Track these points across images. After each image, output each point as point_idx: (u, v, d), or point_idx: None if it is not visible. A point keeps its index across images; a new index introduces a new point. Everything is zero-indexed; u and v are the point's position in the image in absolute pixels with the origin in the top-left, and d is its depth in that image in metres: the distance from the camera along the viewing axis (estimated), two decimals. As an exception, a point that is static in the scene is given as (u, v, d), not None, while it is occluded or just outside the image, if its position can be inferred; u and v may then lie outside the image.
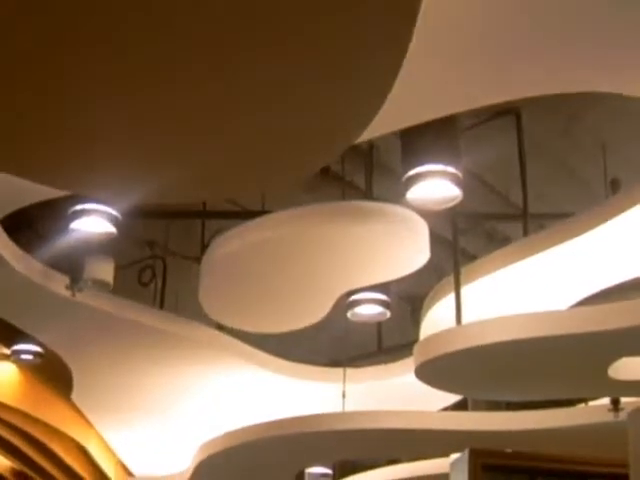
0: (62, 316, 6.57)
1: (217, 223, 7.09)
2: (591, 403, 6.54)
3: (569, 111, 6.09)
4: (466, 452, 5.11)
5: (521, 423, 6.03)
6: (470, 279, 5.23)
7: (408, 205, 4.85)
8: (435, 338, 4.81)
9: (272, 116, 3.08)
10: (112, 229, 5.21)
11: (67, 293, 5.96)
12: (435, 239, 5.87)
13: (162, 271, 7.61)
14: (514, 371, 4.92)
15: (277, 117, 3.09)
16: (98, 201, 5.12)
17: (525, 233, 5.94)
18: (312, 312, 6.04)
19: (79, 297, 6.09)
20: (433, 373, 4.92)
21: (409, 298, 8.14)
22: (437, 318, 5.58)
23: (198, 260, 6.40)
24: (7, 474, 11.44)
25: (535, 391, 5.38)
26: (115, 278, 6.44)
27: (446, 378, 5.10)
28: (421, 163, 4.36)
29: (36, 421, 8.45)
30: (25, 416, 8.30)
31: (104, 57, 2.73)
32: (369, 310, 6.19)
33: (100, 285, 5.95)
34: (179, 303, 7.54)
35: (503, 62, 3.83)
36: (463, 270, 5.27)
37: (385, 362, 7.51)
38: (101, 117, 3.04)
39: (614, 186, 6.12)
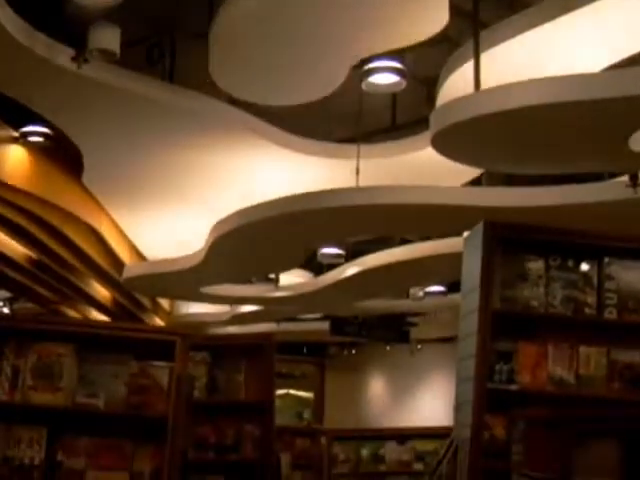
0: (69, 92, 6.40)
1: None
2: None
3: None
4: (480, 225, 5.03)
5: (537, 199, 5.96)
6: (490, 45, 5.00)
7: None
8: (453, 105, 4.63)
9: None
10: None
11: (73, 66, 5.75)
12: (454, 12, 5.59)
13: (170, 48, 7.37)
14: (533, 141, 4.78)
15: None
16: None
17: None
18: (325, 81, 5.83)
19: (86, 70, 5.88)
20: (450, 142, 4.77)
21: (425, 80, 7.91)
22: (454, 89, 5.38)
23: (207, 36, 6.16)
24: (24, 262, 11.60)
25: (553, 164, 5.25)
26: (122, 58, 6.22)
27: (462, 148, 4.94)
28: None
29: (48, 205, 8.42)
30: (37, 200, 8.27)
31: None
32: (384, 79, 5.92)
33: (106, 55, 5.73)
34: (188, 82, 7.32)
35: None
36: (483, 34, 5.02)
37: (399, 138, 7.38)
38: None
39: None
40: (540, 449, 3.31)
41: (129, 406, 4.99)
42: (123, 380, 5.02)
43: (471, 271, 5.16)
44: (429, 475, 5.04)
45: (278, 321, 15.38)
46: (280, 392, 22.42)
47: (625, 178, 5.92)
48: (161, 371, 5.03)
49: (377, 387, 21.33)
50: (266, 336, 6.55)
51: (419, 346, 18.95)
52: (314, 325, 16.33)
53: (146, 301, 13.86)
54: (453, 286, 10.82)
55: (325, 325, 14.77)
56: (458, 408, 5.13)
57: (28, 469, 4.92)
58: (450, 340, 16.86)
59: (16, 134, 7.64)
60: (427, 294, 11.87)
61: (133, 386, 5.01)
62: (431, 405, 17.64)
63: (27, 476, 4.90)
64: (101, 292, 13.56)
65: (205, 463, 6.25)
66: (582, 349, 4.97)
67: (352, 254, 10.23)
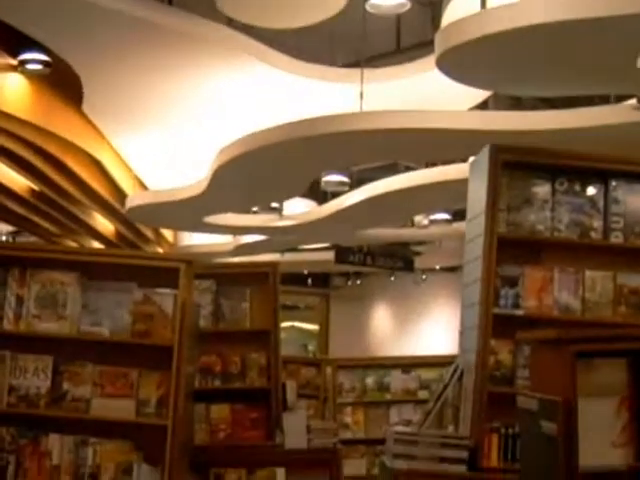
0: (68, 17, 6.28)
1: None
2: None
3: None
4: (486, 149, 4.97)
5: (544, 123, 5.86)
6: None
7: None
8: (459, 24, 4.52)
9: None
10: None
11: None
12: None
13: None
14: (539, 60, 4.67)
15: None
16: None
17: None
18: (328, 2, 5.68)
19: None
20: (455, 63, 4.66)
21: (429, 2, 7.78)
22: (459, 10, 5.25)
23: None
24: (26, 195, 11.55)
25: (561, 85, 5.14)
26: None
27: (468, 68, 4.83)
28: None
29: (49, 135, 8.34)
30: (38, 130, 8.18)
31: None
32: (389, 0, 5.77)
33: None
34: (187, 6, 7.16)
35: None
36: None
37: (404, 62, 7.25)
38: None
39: None
40: (545, 371, 3.29)
41: (134, 334, 4.97)
42: (127, 308, 4.99)
43: (476, 196, 5.11)
44: (434, 400, 5.04)
45: (282, 251, 15.38)
46: (285, 325, 22.52)
47: (633, 101, 5.83)
48: (166, 299, 5.00)
49: (382, 318, 21.44)
50: (271, 264, 6.50)
51: (424, 276, 18.99)
52: (318, 255, 16.32)
53: (149, 233, 13.84)
54: (458, 214, 10.78)
55: (330, 255, 14.75)
56: (463, 333, 5.12)
57: (34, 398, 4.92)
58: (455, 270, 16.90)
59: (14, 62, 7.52)
60: (432, 222, 11.78)
61: (137, 314, 4.98)
62: (436, 334, 17.76)
63: (33, 405, 4.91)
64: (104, 224, 13.53)
65: (211, 391, 6.27)
66: (588, 274, 4.94)
67: (357, 183, 10.17)
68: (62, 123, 8.27)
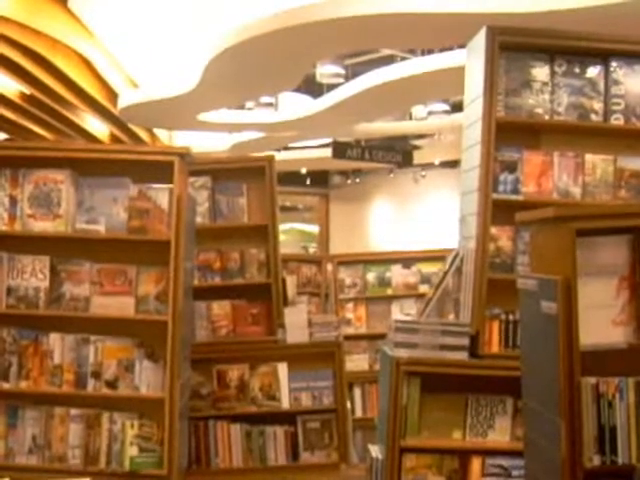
0: None
1: None
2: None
3: None
4: (483, 30, 4.84)
5: (544, 3, 5.68)
6: None
7: None
8: None
9: None
10: None
11: None
12: None
13: None
14: None
15: None
16: None
17: None
18: None
19: None
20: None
21: None
22: None
23: None
24: (16, 99, 11.39)
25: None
26: None
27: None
28: None
29: (36, 34, 8.13)
30: (24, 29, 7.97)
31: None
32: None
33: None
34: None
35: None
36: None
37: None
38: None
39: None
40: (545, 252, 3.24)
41: (130, 230, 4.93)
42: (122, 204, 4.94)
43: (474, 80, 4.99)
44: (435, 287, 5.02)
45: (279, 149, 15.25)
46: (284, 227, 22.48)
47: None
48: (161, 193, 4.95)
49: (382, 216, 21.43)
50: (266, 158, 6.39)
51: (423, 173, 18.92)
52: (316, 153, 16.20)
53: (144, 134, 13.70)
54: (457, 107, 10.63)
55: (327, 152, 14.62)
56: (463, 220, 5.06)
57: (33, 298, 4.91)
58: (454, 165, 16.80)
59: (-6, -42, 7.29)
60: (430, 113, 11.60)
61: (133, 210, 4.93)
62: (436, 230, 17.74)
63: (33, 305, 4.90)
64: (98, 127, 13.38)
65: (211, 288, 6.26)
66: (588, 157, 4.86)
67: (352, 77, 9.99)
68: (49, 21, 8.04)
